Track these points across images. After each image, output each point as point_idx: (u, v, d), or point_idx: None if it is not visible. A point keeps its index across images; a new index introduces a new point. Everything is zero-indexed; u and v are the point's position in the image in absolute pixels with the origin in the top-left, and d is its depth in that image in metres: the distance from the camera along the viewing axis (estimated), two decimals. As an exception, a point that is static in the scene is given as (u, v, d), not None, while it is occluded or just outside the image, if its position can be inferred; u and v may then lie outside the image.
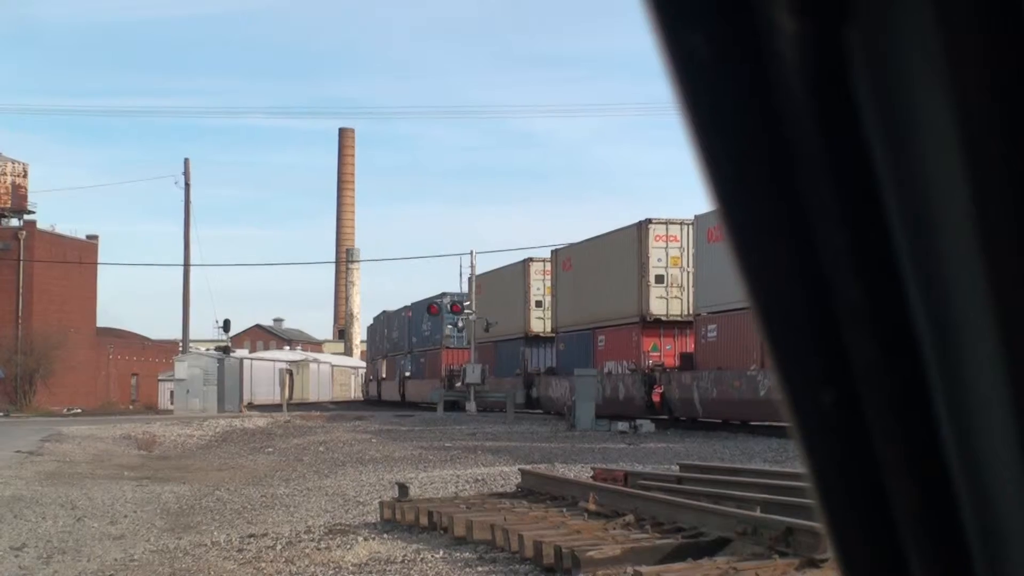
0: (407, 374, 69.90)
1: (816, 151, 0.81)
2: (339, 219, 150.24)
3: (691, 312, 37.55)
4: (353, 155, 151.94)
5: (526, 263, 52.89)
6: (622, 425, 33.50)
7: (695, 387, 34.87)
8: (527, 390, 49.61)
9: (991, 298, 0.79)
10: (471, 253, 56.78)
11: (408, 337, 70.66)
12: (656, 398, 37.43)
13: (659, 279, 39.37)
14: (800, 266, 0.85)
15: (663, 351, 39.47)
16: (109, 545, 13.44)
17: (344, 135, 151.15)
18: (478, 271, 57.06)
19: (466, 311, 54.37)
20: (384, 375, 79.89)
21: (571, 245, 47.19)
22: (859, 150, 0.81)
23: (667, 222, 39.65)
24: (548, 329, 49.96)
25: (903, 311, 0.84)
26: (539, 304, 51.58)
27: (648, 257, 39.34)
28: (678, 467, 16.87)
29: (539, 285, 51.74)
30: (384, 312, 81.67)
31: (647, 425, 33.32)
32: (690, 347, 37.26)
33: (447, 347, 60.83)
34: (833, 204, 0.82)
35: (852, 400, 0.87)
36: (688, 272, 38.45)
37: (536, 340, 51.80)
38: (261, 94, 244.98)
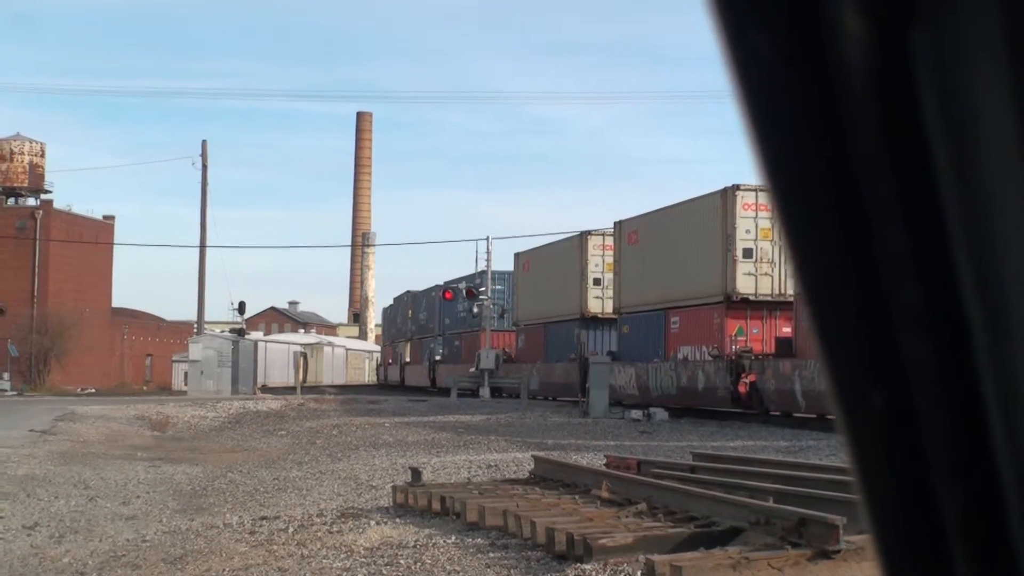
0: (438, 358, 66.24)
1: (876, 152, 0.80)
2: (355, 203, 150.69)
3: (785, 291, 33.10)
4: (371, 139, 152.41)
5: (584, 237, 47.25)
6: (635, 413, 33.51)
7: (796, 377, 29.61)
8: (583, 376, 44.44)
9: None
10: (487, 239, 56.54)
11: (439, 318, 66.79)
12: (743, 389, 32.02)
13: (747, 253, 34.06)
14: (857, 267, 0.84)
15: (749, 335, 34.08)
16: (121, 525, 13.49)
17: (362, 119, 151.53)
18: (495, 256, 56.44)
19: (481, 296, 54.23)
20: (408, 359, 76.19)
21: (639, 216, 41.72)
22: (920, 152, 0.80)
23: (757, 188, 33.30)
24: (608, 309, 44.89)
25: (959, 315, 0.83)
26: (597, 282, 46.47)
27: (735, 228, 33.97)
28: (692, 456, 16.85)
29: (598, 261, 46.54)
30: (408, 292, 78.20)
31: (660, 413, 33.30)
32: (784, 331, 32.94)
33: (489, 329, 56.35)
34: (892, 205, 0.82)
35: (904, 404, 0.87)
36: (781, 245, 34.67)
37: (594, 321, 46.46)
38: (281, 77, 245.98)
